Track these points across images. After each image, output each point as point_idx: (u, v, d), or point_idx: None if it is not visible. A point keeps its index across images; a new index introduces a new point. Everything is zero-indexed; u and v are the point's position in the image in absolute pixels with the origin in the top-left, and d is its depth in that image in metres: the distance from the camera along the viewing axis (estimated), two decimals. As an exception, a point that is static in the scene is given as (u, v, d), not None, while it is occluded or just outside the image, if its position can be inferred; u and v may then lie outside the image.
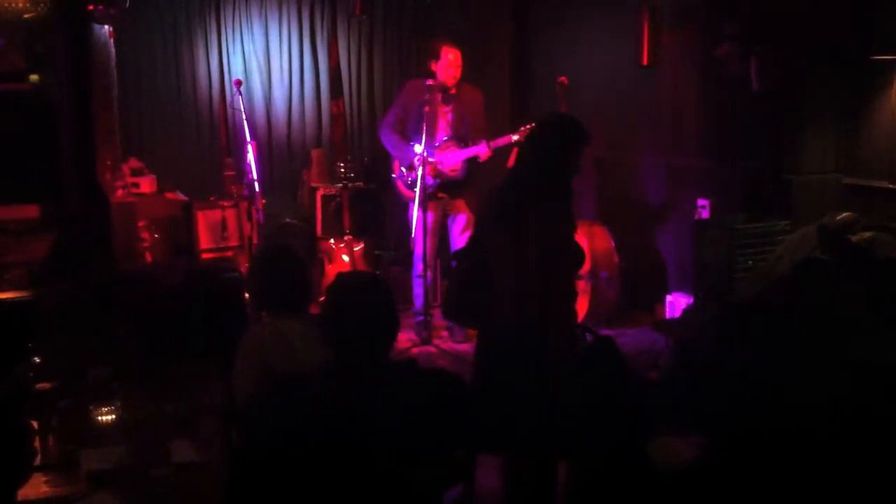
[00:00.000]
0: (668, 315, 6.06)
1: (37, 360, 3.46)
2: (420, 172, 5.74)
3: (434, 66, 5.90)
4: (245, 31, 7.52)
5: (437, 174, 5.99)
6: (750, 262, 5.11)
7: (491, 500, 3.61)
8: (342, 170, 6.94)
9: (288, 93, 7.69)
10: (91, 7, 5.84)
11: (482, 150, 5.85)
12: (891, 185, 5.18)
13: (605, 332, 5.98)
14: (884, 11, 5.22)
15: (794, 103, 5.46)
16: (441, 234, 6.17)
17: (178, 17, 7.37)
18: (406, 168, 6.09)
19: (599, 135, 6.86)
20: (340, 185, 6.91)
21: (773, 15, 5.47)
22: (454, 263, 4.15)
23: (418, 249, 6.04)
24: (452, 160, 5.96)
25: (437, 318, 6.35)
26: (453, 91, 5.90)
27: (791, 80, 5.42)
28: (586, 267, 6.08)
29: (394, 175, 6.26)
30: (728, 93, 5.75)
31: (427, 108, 5.79)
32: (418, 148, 5.89)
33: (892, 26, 5.18)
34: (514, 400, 3.55)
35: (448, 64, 5.84)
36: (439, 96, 5.83)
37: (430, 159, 5.85)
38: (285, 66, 7.65)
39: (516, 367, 3.59)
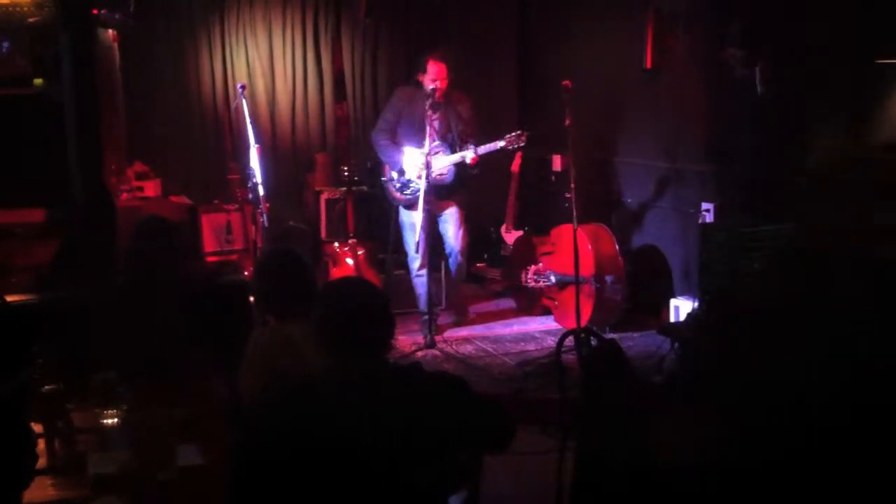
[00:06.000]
0: (673, 319, 6.05)
1: (43, 362, 3.46)
2: (424, 173, 5.83)
3: (421, 78, 6.03)
4: (249, 34, 7.54)
5: (427, 178, 6.06)
6: (755, 265, 5.10)
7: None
8: (346, 173, 6.94)
9: (292, 96, 7.70)
10: (96, 11, 5.85)
11: (470, 155, 5.95)
12: (896, 189, 5.16)
13: (610, 335, 5.98)
14: (889, 15, 5.21)
15: (799, 107, 5.45)
16: (434, 234, 6.23)
17: (182, 21, 7.38)
18: (396, 172, 6.15)
19: (604, 138, 6.92)
20: (344, 188, 6.91)
21: (778, 18, 5.47)
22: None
23: (412, 250, 6.17)
24: (441, 165, 6.05)
25: (442, 318, 6.46)
26: (440, 100, 6.02)
27: (796, 84, 5.41)
28: (591, 271, 6.08)
29: (384, 179, 6.33)
30: (733, 96, 5.74)
31: (428, 113, 5.89)
32: (410, 151, 6.05)
33: (897, 29, 5.17)
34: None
35: (433, 76, 5.95)
36: (427, 103, 5.96)
37: (421, 165, 5.93)
38: (289, 70, 7.66)
39: None
